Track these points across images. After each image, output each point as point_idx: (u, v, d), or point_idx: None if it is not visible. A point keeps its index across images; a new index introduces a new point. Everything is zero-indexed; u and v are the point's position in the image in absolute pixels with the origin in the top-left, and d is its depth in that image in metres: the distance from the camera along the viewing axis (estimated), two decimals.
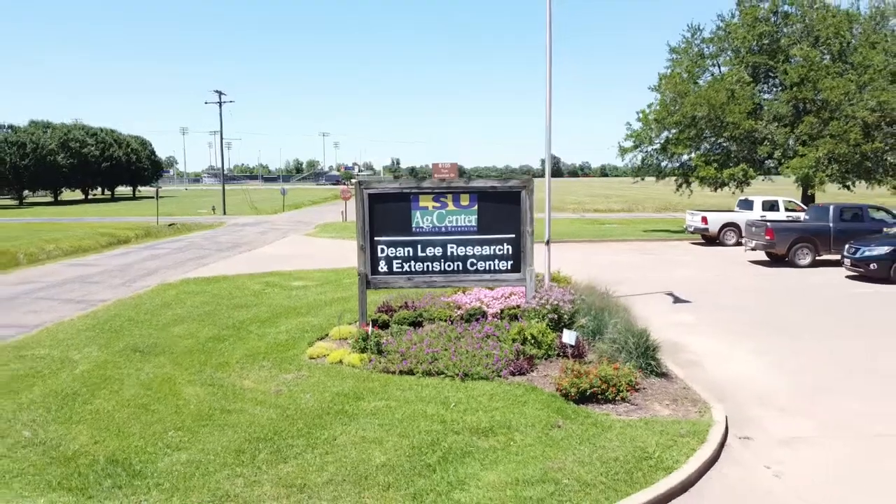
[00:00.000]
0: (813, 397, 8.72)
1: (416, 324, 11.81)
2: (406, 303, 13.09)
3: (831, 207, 20.69)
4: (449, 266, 11.54)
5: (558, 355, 9.82)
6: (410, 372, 9.42)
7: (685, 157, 30.77)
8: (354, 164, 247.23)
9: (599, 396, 8.22)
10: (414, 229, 11.52)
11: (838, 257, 19.15)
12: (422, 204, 11.55)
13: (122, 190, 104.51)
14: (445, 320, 11.79)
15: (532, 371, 9.39)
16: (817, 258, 20.22)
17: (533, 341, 10.03)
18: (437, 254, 11.52)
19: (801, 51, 28.44)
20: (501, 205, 11.65)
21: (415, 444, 7.03)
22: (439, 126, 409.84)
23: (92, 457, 6.91)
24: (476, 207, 11.56)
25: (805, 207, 25.39)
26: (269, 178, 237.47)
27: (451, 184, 11.78)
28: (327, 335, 11.79)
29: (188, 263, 22.11)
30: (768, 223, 20.58)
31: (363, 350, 10.25)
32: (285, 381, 9.28)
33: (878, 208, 21.37)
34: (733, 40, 31.26)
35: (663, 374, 9.27)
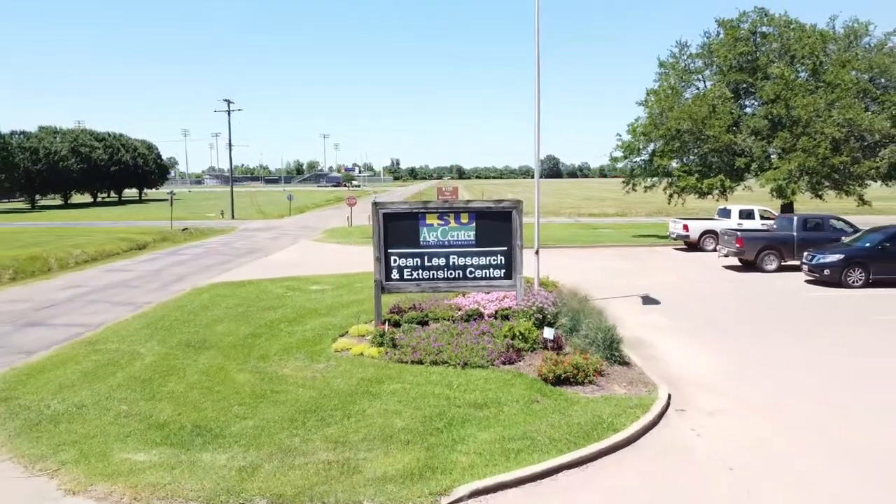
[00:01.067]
0: (740, 383, 10.86)
1: (423, 323, 13.96)
2: (414, 305, 15.24)
3: (795, 218, 22.88)
4: (451, 274, 13.67)
5: (542, 348, 11.97)
6: (420, 362, 11.56)
7: (671, 167, 32.83)
8: (355, 164, 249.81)
9: (571, 380, 10.37)
10: (421, 243, 13.65)
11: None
12: (428, 221, 13.69)
13: (129, 193, 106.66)
14: (448, 320, 13.95)
15: (519, 361, 11.53)
16: (783, 264, 22.37)
17: (521, 337, 12.18)
18: (441, 263, 13.65)
19: (778, 69, 30.61)
20: (496, 222, 13.77)
21: (426, 414, 9.17)
22: (440, 127, 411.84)
23: (179, 424, 9.05)
24: (474, 224, 13.69)
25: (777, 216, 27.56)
26: (271, 179, 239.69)
27: (452, 204, 13.93)
28: (347, 332, 13.92)
29: (213, 269, 24.29)
30: (738, 232, 22.77)
31: (380, 344, 12.40)
32: (318, 369, 11.41)
33: (839, 219, 23.55)
34: (716, 57, 33.42)
35: (625, 363, 11.43)
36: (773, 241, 22.39)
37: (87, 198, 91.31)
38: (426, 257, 13.63)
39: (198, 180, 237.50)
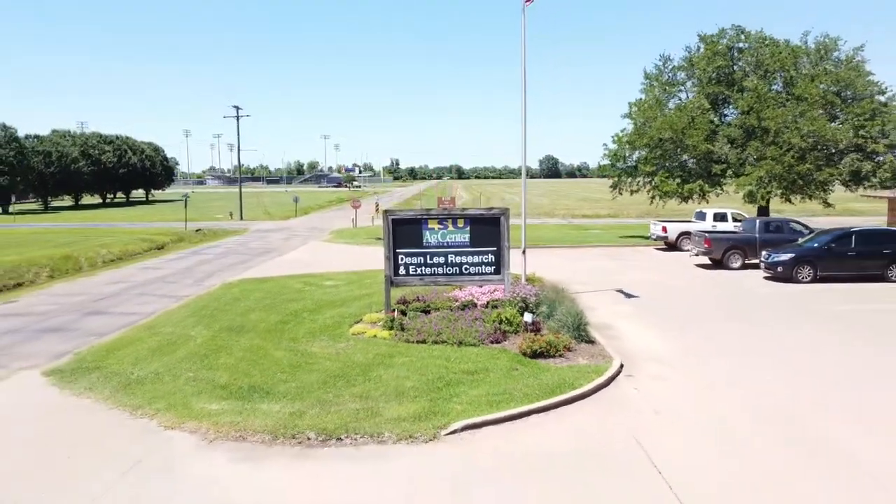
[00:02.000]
0: (681, 357, 13.45)
1: (425, 311, 16.54)
2: (418, 297, 17.83)
3: (757, 221, 25.52)
4: (449, 270, 16.25)
5: (524, 330, 14.55)
6: (423, 341, 14.14)
7: (654, 173, 35.42)
8: (355, 165, 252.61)
9: (545, 354, 12.95)
10: (424, 244, 16.23)
11: None
12: (430, 226, 16.27)
13: (135, 194, 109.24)
14: (447, 309, 16.53)
15: (505, 340, 14.11)
16: (746, 262, 24.97)
17: (507, 321, 14.78)
18: (440, 261, 16.23)
19: (751, 83, 33.22)
20: (487, 226, 16.34)
21: (429, 378, 11.75)
22: (439, 127, 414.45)
23: (237, 385, 11.64)
24: (468, 228, 16.27)
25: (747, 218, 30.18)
26: (272, 179, 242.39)
27: (451, 211, 16.52)
28: (361, 319, 16.49)
29: (236, 267, 26.90)
30: (706, 234, 25.40)
31: (390, 328, 15.00)
32: (340, 348, 13.99)
33: (797, 222, 26.18)
34: (697, 70, 36.04)
35: (591, 342, 14.03)
36: (737, 242, 25.02)
37: (97, 199, 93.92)
38: (428, 256, 16.21)
39: (199, 180, 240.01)
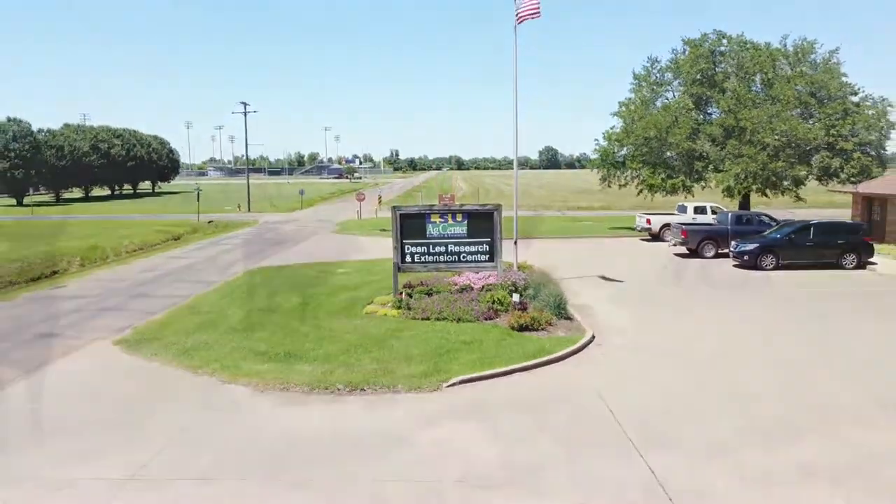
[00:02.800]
0: (647, 333, 15.91)
1: (429, 294, 19.00)
2: (421, 282, 20.28)
3: (729, 214, 28.03)
4: (449, 258, 18.72)
5: (513, 309, 17.04)
6: (427, 318, 16.62)
7: (640, 168, 37.90)
8: (355, 156, 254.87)
9: (530, 328, 15.45)
10: (427, 235, 18.68)
11: None
12: (432, 220, 18.73)
13: (142, 186, 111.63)
14: (447, 292, 19.00)
15: (497, 317, 16.60)
16: (719, 252, 27.46)
17: (498, 302, 17.27)
18: (441, 251, 18.69)
19: (731, 84, 35.63)
20: (482, 220, 18.77)
21: (432, 346, 14.23)
22: (439, 118, 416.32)
23: (274, 352, 14.12)
24: (466, 222, 18.71)
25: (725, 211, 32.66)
26: (273, 170, 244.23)
27: (451, 207, 19.02)
28: (373, 301, 18.95)
29: (254, 256, 29.40)
30: (683, 225, 27.90)
31: (399, 308, 17.49)
32: (357, 324, 16.47)
33: (766, 215, 28.68)
34: (681, 72, 38.41)
35: (569, 318, 16.55)
36: (711, 233, 27.53)
37: (106, 191, 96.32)
38: (431, 246, 18.67)
39: (201, 172, 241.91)
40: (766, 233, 26.02)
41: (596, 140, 39.97)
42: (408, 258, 18.73)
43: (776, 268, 24.20)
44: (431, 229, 18.67)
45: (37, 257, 28.93)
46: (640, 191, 38.37)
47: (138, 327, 16.34)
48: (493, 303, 17.25)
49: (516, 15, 20.53)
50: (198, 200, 50.63)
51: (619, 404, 10.99)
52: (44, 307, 19.34)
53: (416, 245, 18.67)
